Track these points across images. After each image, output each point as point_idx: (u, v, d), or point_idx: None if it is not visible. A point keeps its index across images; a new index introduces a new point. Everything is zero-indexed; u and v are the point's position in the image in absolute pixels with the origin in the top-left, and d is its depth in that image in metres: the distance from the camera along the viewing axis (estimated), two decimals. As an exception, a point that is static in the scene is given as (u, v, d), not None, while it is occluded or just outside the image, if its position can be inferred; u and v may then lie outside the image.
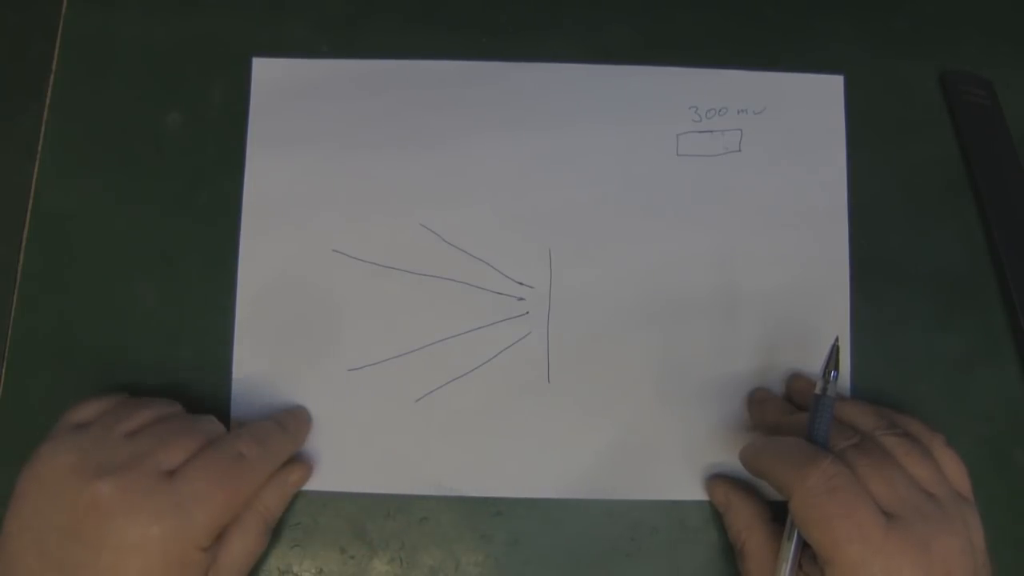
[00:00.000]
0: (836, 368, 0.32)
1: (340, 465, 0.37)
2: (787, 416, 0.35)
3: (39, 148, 0.40)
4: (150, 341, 0.38)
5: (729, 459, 0.37)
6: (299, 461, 0.36)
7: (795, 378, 0.38)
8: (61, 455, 0.31)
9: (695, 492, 0.37)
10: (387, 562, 0.37)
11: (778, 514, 0.34)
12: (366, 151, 0.40)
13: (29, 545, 0.30)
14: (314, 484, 0.37)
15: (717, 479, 0.37)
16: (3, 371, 0.38)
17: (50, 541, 0.29)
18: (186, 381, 0.38)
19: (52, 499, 0.30)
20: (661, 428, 0.38)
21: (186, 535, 0.30)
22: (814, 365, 0.38)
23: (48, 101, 0.40)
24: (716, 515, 0.37)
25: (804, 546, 0.31)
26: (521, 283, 0.39)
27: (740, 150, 0.40)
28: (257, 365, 0.38)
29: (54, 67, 0.40)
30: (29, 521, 0.30)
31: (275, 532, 0.37)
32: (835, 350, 0.33)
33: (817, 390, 0.32)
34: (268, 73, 0.40)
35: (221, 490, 0.31)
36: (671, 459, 0.38)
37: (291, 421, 0.36)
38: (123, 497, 0.29)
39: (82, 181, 0.39)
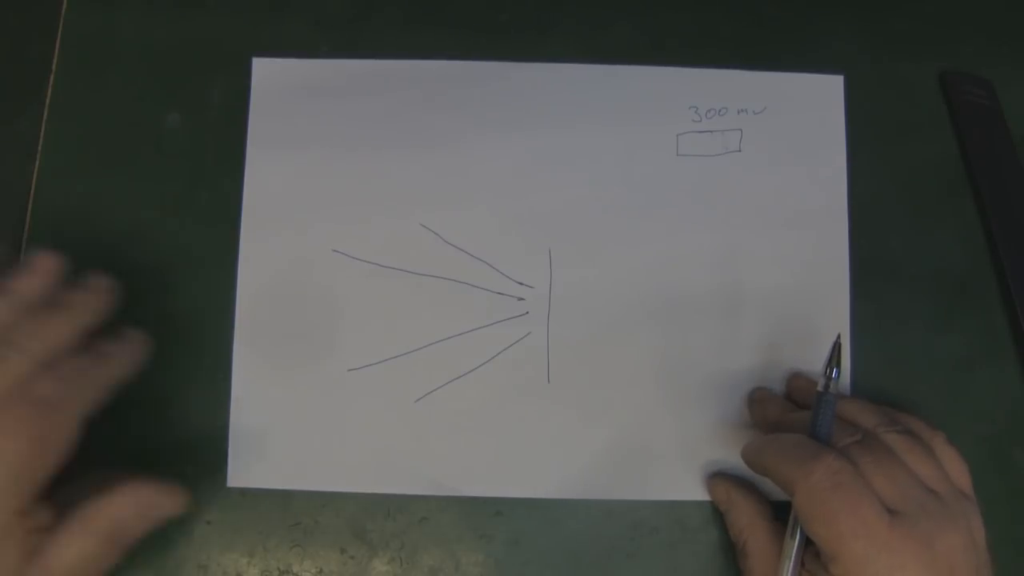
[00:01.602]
0: (838, 365, 0.32)
1: (340, 465, 0.37)
2: (788, 414, 0.36)
3: (39, 148, 0.40)
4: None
5: (730, 459, 0.37)
6: (173, 490, 0.32)
7: (795, 377, 0.38)
8: None
9: (695, 492, 0.37)
10: (387, 562, 0.37)
11: (780, 513, 0.34)
12: (366, 151, 0.40)
13: None
14: (314, 484, 0.37)
15: (718, 477, 0.37)
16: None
17: None
18: (186, 381, 0.38)
19: None
20: (661, 428, 0.38)
21: None
22: (814, 365, 0.38)
23: (48, 101, 0.40)
24: (716, 515, 0.37)
25: (807, 544, 0.31)
26: (521, 283, 0.39)
27: (740, 150, 0.40)
28: (257, 365, 0.38)
29: (54, 67, 0.40)
30: None
31: (275, 532, 0.37)
32: (837, 347, 0.33)
33: (819, 387, 0.32)
34: (268, 73, 0.40)
35: (18, 442, 0.28)
36: (671, 459, 0.38)
37: (110, 346, 0.32)
38: None
39: (82, 181, 0.39)
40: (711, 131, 0.40)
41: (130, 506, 0.31)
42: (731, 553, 0.36)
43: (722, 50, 0.41)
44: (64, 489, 0.30)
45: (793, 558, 0.31)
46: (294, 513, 0.37)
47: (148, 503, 0.32)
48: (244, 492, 0.37)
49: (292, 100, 0.40)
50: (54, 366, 0.30)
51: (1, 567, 0.28)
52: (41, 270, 0.32)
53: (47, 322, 0.31)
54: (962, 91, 0.41)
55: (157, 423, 0.38)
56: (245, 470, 0.37)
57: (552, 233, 0.39)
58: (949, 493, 0.31)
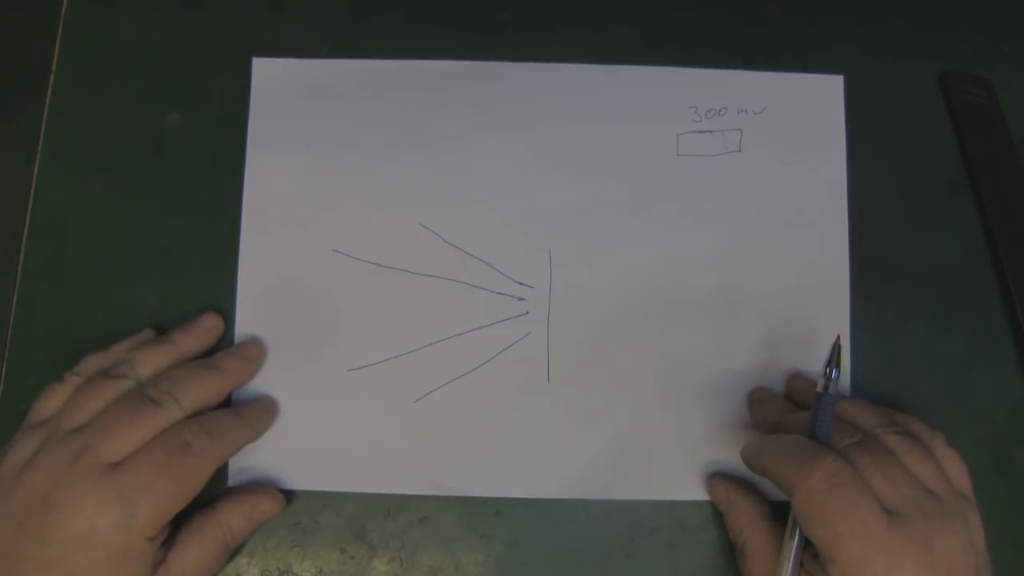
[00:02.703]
0: (837, 366, 0.32)
1: (340, 465, 0.37)
2: (788, 415, 0.36)
3: (39, 148, 0.40)
4: (150, 341, 0.38)
5: (729, 459, 0.37)
6: (272, 492, 0.36)
7: (795, 378, 0.38)
8: (17, 452, 0.32)
9: (695, 492, 0.37)
10: (387, 562, 0.37)
11: (779, 513, 0.34)
12: (366, 151, 0.40)
13: None
14: (314, 484, 0.37)
15: (718, 477, 0.37)
16: (3, 371, 0.38)
17: (3, 534, 0.31)
18: (186, 381, 0.38)
19: (7, 495, 0.31)
20: (661, 428, 0.38)
21: (130, 525, 0.31)
22: (814, 365, 0.38)
23: (48, 101, 0.40)
24: (716, 515, 0.37)
25: (806, 545, 0.31)
26: (521, 283, 0.39)
27: (740, 150, 0.40)
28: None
29: (54, 67, 0.40)
30: None
31: (275, 532, 0.37)
32: (836, 348, 0.33)
33: (818, 388, 0.32)
34: (268, 73, 0.40)
35: (164, 480, 0.31)
36: (671, 459, 0.38)
37: (251, 409, 0.36)
38: (66, 491, 0.30)
39: (82, 181, 0.39)
40: (711, 131, 0.40)
41: (237, 513, 0.35)
42: (731, 553, 0.36)
43: (722, 50, 0.41)
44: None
45: (792, 559, 0.31)
46: (294, 513, 0.37)
47: (252, 509, 0.35)
48: (244, 492, 0.37)
49: (292, 100, 0.40)
50: (203, 419, 0.34)
51: None
52: (203, 329, 0.37)
53: (202, 380, 0.35)
54: (962, 91, 0.41)
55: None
56: (245, 470, 0.37)
57: (552, 233, 0.39)
58: (948, 494, 0.31)
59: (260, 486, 0.36)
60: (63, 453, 0.31)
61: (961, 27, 0.42)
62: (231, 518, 0.35)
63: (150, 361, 0.35)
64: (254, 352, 0.37)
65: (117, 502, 0.30)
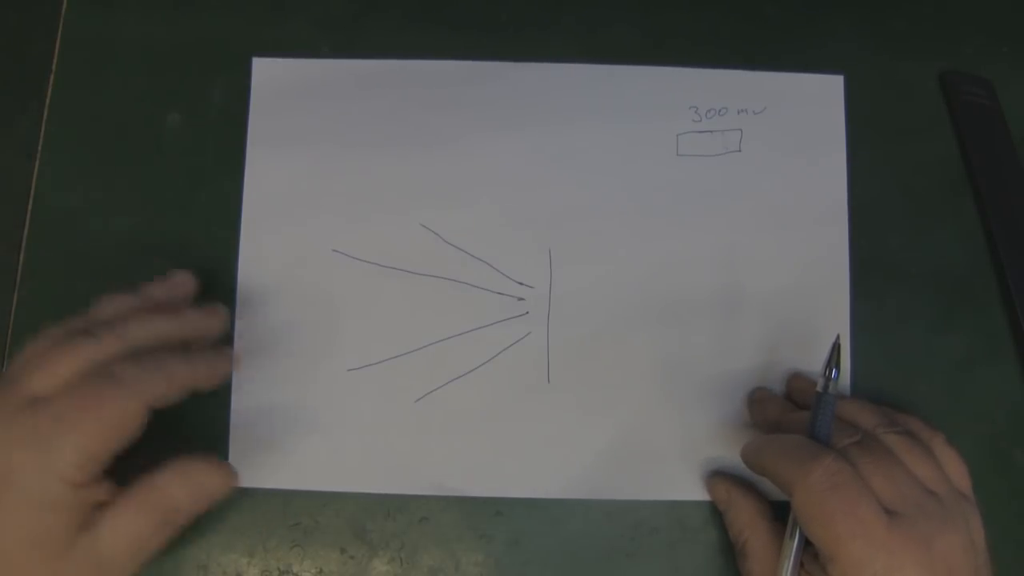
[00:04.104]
0: (837, 366, 0.32)
1: (340, 465, 0.37)
2: (788, 415, 0.36)
3: (39, 148, 0.40)
4: (150, 341, 0.38)
5: (730, 459, 0.37)
6: (221, 466, 0.32)
7: (795, 378, 0.38)
8: None
9: (695, 492, 0.37)
10: (387, 562, 0.37)
11: (779, 513, 0.34)
12: (366, 151, 0.40)
13: None
14: (314, 484, 0.37)
15: (718, 477, 0.37)
16: (3, 371, 0.38)
17: None
18: (186, 381, 0.38)
19: None
20: (661, 428, 0.38)
21: (48, 466, 0.28)
22: (814, 365, 0.38)
23: (48, 101, 0.40)
24: (716, 515, 0.37)
25: (806, 545, 0.31)
26: (521, 283, 0.39)
27: (740, 150, 0.40)
28: (257, 365, 0.38)
29: (54, 67, 0.40)
30: None
31: (275, 532, 0.37)
32: (836, 348, 0.33)
33: (818, 388, 0.32)
34: (268, 73, 0.40)
35: (85, 414, 0.28)
36: (671, 459, 0.38)
37: (201, 350, 0.33)
38: None
39: (82, 181, 0.39)
40: (711, 131, 0.40)
41: (179, 483, 0.31)
42: (731, 553, 0.36)
43: (722, 50, 0.41)
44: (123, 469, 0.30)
45: (792, 558, 0.31)
46: (294, 513, 0.37)
47: (197, 479, 0.31)
48: (244, 492, 0.37)
49: (292, 100, 0.40)
50: (136, 351, 0.30)
51: (52, 536, 0.28)
52: (173, 283, 0.35)
53: (152, 319, 0.32)
54: (962, 91, 0.41)
55: (157, 423, 0.37)
56: (245, 470, 0.37)
57: (552, 233, 0.39)
58: (948, 494, 0.31)
59: (208, 457, 0.32)
60: None
61: (961, 27, 0.42)
62: (171, 488, 0.30)
63: (111, 308, 0.33)
64: (218, 311, 0.35)
65: (33, 439, 0.27)
